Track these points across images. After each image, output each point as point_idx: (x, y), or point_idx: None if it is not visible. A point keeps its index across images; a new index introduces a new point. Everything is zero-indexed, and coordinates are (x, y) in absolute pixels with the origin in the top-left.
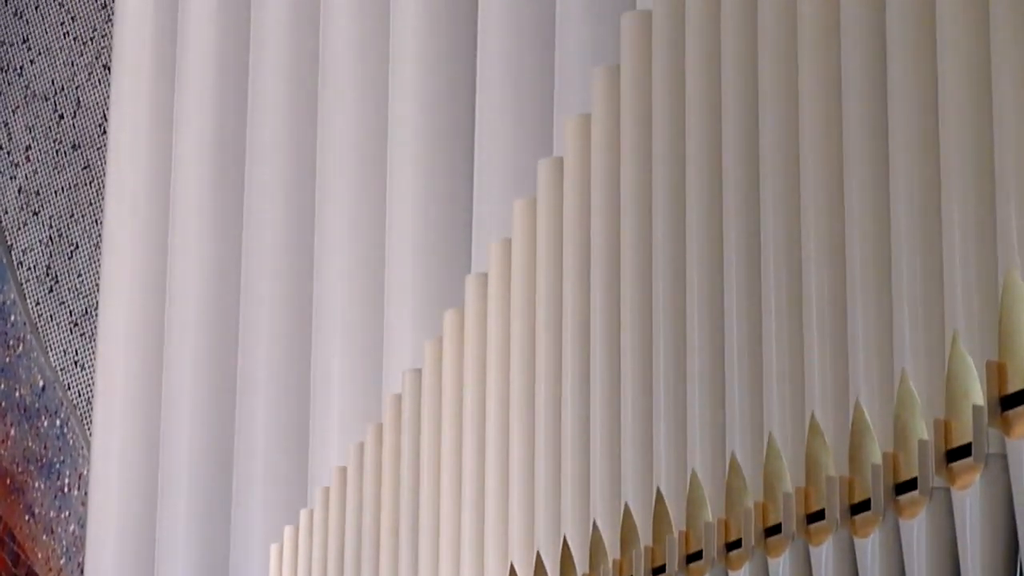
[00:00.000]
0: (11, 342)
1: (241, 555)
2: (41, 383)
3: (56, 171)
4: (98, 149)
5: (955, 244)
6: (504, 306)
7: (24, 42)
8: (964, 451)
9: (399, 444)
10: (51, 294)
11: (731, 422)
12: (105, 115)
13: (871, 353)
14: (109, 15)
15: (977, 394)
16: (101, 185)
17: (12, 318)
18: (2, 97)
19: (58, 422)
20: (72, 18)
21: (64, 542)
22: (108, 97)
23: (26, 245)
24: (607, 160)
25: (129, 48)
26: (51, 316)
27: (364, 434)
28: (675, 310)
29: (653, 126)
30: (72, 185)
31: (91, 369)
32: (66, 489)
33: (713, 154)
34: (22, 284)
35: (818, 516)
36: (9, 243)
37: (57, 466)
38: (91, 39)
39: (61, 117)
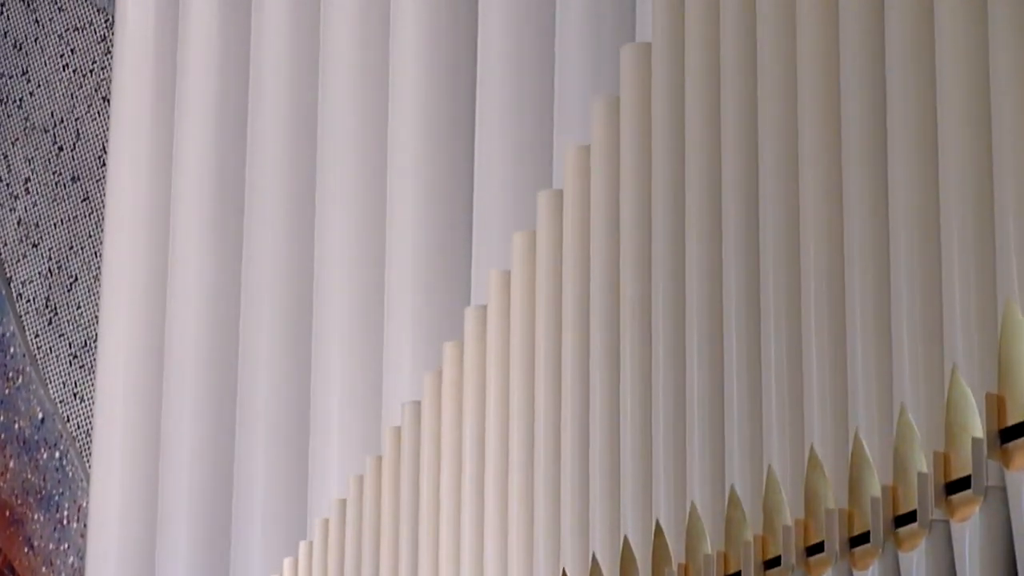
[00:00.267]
0: (10, 374)
1: None
2: (40, 415)
3: (55, 203)
4: (97, 181)
5: (954, 277)
6: (504, 338)
7: (23, 74)
8: (963, 484)
9: (399, 476)
10: (50, 326)
11: (730, 454)
12: (104, 147)
13: (870, 386)
14: (108, 47)
15: (976, 427)
16: (100, 217)
17: (11, 350)
18: (1, 129)
19: (57, 454)
20: (71, 50)
21: (63, 574)
22: (107, 129)
23: (25, 277)
24: (607, 192)
25: (128, 80)
26: (50, 348)
27: (364, 466)
28: (675, 342)
29: (653, 158)
30: (71, 217)
31: (90, 401)
32: (65, 521)
33: (713, 186)
34: (21, 316)
35: (817, 548)
36: (8, 275)
37: (56, 498)
38: (90, 71)
39: (60, 149)
